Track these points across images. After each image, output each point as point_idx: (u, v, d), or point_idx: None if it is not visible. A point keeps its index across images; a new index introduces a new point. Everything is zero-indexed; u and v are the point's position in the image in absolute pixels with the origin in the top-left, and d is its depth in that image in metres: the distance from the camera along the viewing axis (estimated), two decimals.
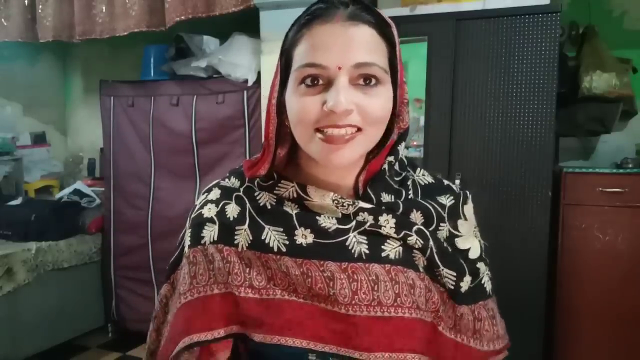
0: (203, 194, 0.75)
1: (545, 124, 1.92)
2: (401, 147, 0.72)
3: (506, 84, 1.96)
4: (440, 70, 2.01)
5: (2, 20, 2.85)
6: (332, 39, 0.60)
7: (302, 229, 0.67)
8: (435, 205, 0.72)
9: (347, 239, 0.67)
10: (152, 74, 2.78)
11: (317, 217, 0.68)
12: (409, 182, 0.75)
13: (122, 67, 3.13)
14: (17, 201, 2.82)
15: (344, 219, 0.68)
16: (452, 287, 0.70)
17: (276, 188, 0.70)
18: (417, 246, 0.68)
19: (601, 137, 2.46)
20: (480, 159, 2.02)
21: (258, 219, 0.69)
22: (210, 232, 0.69)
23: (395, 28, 0.65)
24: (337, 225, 0.67)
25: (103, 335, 2.98)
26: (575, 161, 2.52)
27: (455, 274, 0.70)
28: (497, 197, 1.99)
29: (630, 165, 2.12)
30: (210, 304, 0.68)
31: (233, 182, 0.74)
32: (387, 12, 0.66)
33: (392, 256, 0.67)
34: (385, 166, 0.70)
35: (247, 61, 2.42)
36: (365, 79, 0.61)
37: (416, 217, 0.70)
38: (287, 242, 0.67)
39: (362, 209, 0.68)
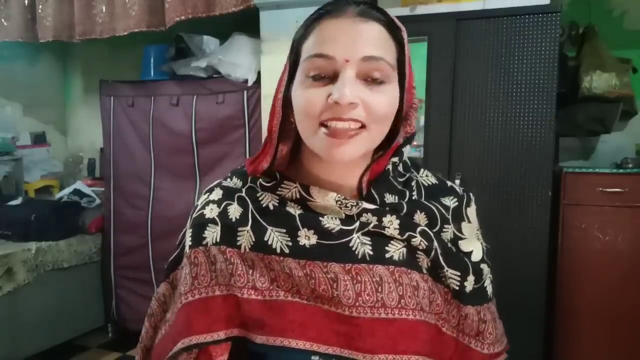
0: (205, 194, 0.74)
1: (545, 124, 1.92)
2: (406, 149, 0.72)
3: (506, 84, 1.96)
4: (440, 70, 2.01)
5: (2, 20, 2.85)
6: (341, 32, 0.61)
7: (306, 230, 0.67)
8: (439, 207, 0.72)
9: (350, 240, 0.66)
10: (152, 74, 2.78)
11: (321, 218, 0.67)
12: (413, 183, 0.74)
13: (122, 67, 3.13)
14: (17, 201, 2.82)
15: (348, 219, 0.67)
16: (457, 288, 0.69)
17: (279, 189, 0.70)
18: (421, 247, 0.68)
19: (601, 137, 2.46)
20: (480, 159, 2.02)
21: (261, 220, 0.68)
22: (213, 234, 0.69)
23: (405, 32, 0.66)
24: (340, 226, 0.66)
25: (103, 335, 2.98)
26: (575, 161, 2.52)
27: (459, 273, 0.69)
28: (497, 197, 1.99)
29: (630, 165, 2.12)
30: (211, 306, 0.68)
31: (235, 182, 0.74)
32: None
33: (396, 257, 0.67)
34: (390, 167, 0.70)
35: (247, 61, 2.42)
36: (372, 76, 0.61)
37: (420, 218, 0.70)
38: (290, 244, 0.66)
39: (366, 210, 0.67)
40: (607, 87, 2.15)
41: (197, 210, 0.72)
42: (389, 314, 0.65)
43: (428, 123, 2.05)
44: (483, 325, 0.72)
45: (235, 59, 2.44)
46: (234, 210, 0.70)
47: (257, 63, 2.38)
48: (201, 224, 0.70)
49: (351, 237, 0.66)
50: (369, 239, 0.67)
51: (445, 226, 0.72)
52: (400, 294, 0.66)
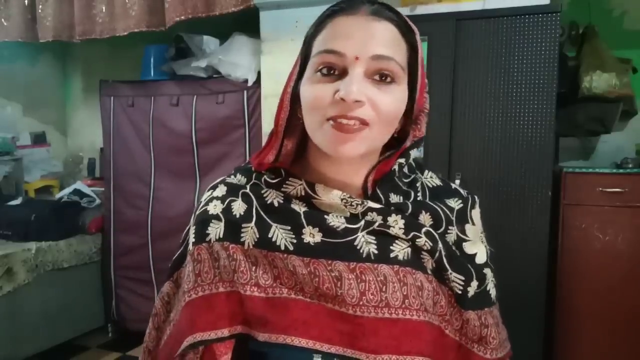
0: (208, 190, 0.74)
1: (545, 124, 1.92)
2: (413, 151, 0.71)
3: (506, 84, 1.96)
4: (440, 70, 2.01)
5: (2, 20, 2.85)
6: (353, 30, 0.61)
7: (310, 227, 0.66)
8: (444, 208, 0.72)
9: (355, 239, 0.66)
10: (152, 74, 2.78)
11: (326, 216, 0.67)
12: (418, 184, 0.74)
13: (122, 67, 3.13)
14: (17, 201, 2.82)
15: (353, 218, 0.67)
16: (460, 292, 0.69)
17: (284, 185, 0.69)
18: (425, 248, 0.67)
19: (601, 137, 2.47)
20: (480, 159, 2.02)
21: (265, 217, 0.68)
22: (216, 230, 0.68)
23: (418, 34, 0.65)
24: (345, 225, 0.66)
25: (103, 335, 2.98)
26: (575, 161, 2.52)
27: (463, 278, 0.69)
28: (497, 197, 1.99)
29: (630, 165, 2.12)
30: (215, 302, 0.67)
31: (239, 179, 0.73)
32: None
33: (400, 257, 0.67)
34: (396, 167, 0.70)
35: (247, 61, 2.42)
36: (381, 75, 0.61)
37: (425, 218, 0.70)
38: (294, 241, 0.66)
39: (371, 209, 0.67)
40: (607, 87, 2.15)
41: (200, 206, 0.72)
42: (392, 314, 0.65)
43: (428, 123, 2.05)
44: (485, 330, 0.71)
45: (235, 59, 2.44)
46: (238, 207, 0.69)
47: (257, 63, 2.38)
48: (204, 220, 0.70)
49: (356, 235, 0.66)
50: (374, 238, 0.66)
51: (450, 228, 0.71)
52: (405, 294, 0.65)
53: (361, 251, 0.66)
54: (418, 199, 0.72)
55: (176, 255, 0.75)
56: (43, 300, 2.57)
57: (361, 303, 0.64)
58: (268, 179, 0.71)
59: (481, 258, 0.73)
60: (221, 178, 0.75)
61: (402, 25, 0.64)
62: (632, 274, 2.05)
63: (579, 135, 2.41)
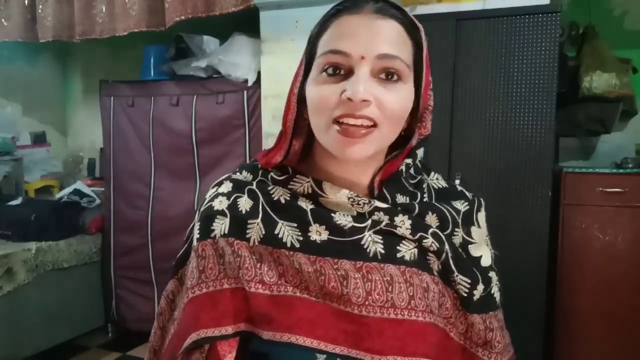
0: (213, 187, 0.73)
1: (545, 124, 1.92)
2: (420, 151, 0.71)
3: (506, 84, 1.96)
4: (440, 70, 2.01)
5: (2, 20, 2.85)
6: (358, 29, 0.60)
7: (317, 225, 0.66)
8: (451, 210, 0.71)
9: (362, 238, 0.65)
10: (152, 74, 2.78)
11: (333, 214, 0.66)
12: (424, 186, 0.74)
13: (122, 67, 3.13)
14: (17, 201, 2.82)
15: (359, 217, 0.67)
16: (465, 295, 0.68)
17: (290, 183, 0.69)
18: (432, 249, 0.67)
19: (601, 137, 2.46)
20: (480, 159, 2.02)
21: (271, 214, 0.67)
22: (221, 225, 0.68)
23: (423, 32, 0.65)
24: (352, 223, 0.66)
25: (103, 335, 2.98)
26: (575, 161, 2.52)
27: (469, 281, 0.68)
28: (497, 197, 1.99)
29: (630, 165, 2.12)
30: (219, 299, 0.66)
31: (245, 175, 0.72)
32: None
33: (407, 257, 0.66)
34: (403, 167, 0.69)
35: (247, 61, 2.42)
36: (387, 74, 0.61)
37: (431, 219, 0.69)
38: (301, 238, 0.65)
39: (378, 209, 0.66)
40: (607, 87, 2.15)
41: (205, 203, 0.71)
42: (398, 315, 0.64)
43: None
44: (490, 333, 0.70)
45: (235, 59, 2.44)
46: (244, 203, 0.68)
47: (257, 63, 2.38)
48: (209, 215, 0.69)
49: (363, 234, 0.66)
50: (381, 237, 0.66)
51: (456, 230, 0.71)
52: (411, 294, 0.65)
53: (368, 250, 0.65)
54: (424, 200, 0.72)
55: (180, 252, 0.74)
56: (43, 300, 2.56)
57: (367, 303, 0.64)
58: (275, 176, 0.70)
59: (486, 261, 0.73)
60: (226, 175, 0.74)
61: (407, 23, 0.64)
62: (632, 273, 2.05)
63: (579, 135, 2.41)
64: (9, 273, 2.38)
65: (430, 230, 0.67)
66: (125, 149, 2.82)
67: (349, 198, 0.66)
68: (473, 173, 2.03)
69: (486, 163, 2.01)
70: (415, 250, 0.67)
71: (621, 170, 2.10)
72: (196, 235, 0.70)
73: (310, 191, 0.68)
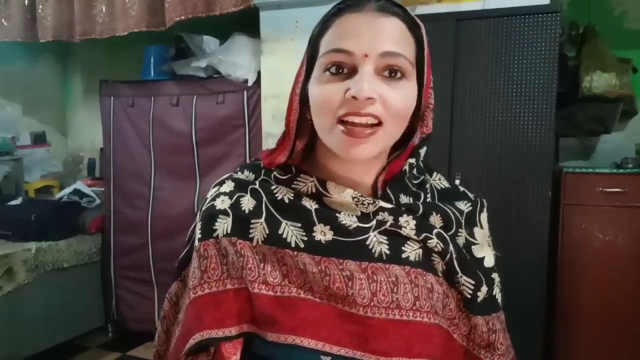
0: (214, 186, 0.72)
1: (545, 124, 1.92)
2: (423, 151, 0.71)
3: (506, 84, 1.96)
4: (440, 70, 2.01)
5: (2, 20, 2.85)
6: (361, 27, 0.60)
7: (322, 225, 0.65)
8: (454, 210, 0.71)
9: (367, 238, 0.65)
10: (152, 74, 2.78)
11: (337, 214, 0.66)
12: (427, 186, 0.74)
13: (122, 67, 3.13)
14: (17, 201, 2.82)
15: (364, 217, 0.66)
16: (469, 296, 0.68)
17: (294, 182, 0.68)
18: (437, 249, 0.67)
19: (601, 137, 2.46)
20: (480, 159, 2.02)
21: (275, 213, 0.66)
22: (224, 225, 0.67)
23: (424, 30, 0.65)
24: (357, 224, 0.65)
25: (103, 335, 2.98)
26: (575, 161, 2.52)
27: (473, 282, 0.68)
28: (497, 197, 1.99)
29: (630, 165, 2.12)
30: (223, 300, 0.66)
31: (247, 175, 0.72)
32: None
33: (412, 258, 0.66)
34: (406, 168, 0.69)
35: (247, 61, 2.42)
36: (390, 71, 0.61)
37: (435, 220, 0.69)
38: (305, 238, 0.65)
39: (382, 209, 0.66)
40: (607, 87, 2.15)
41: (207, 202, 0.70)
42: (403, 316, 0.63)
43: None
44: (493, 335, 0.70)
45: (235, 59, 2.44)
46: (247, 202, 0.68)
47: (257, 63, 2.38)
48: (211, 215, 0.68)
49: (368, 235, 0.65)
50: (386, 238, 0.66)
51: (460, 230, 0.71)
52: (416, 295, 0.64)
53: (373, 251, 0.65)
54: (427, 200, 0.72)
55: (182, 254, 0.73)
56: (43, 300, 2.56)
57: (372, 304, 0.63)
58: (278, 175, 0.69)
59: (489, 262, 0.72)
60: (227, 174, 0.73)
61: (409, 21, 0.63)
62: (632, 273, 2.05)
63: (579, 135, 2.41)
64: (9, 273, 2.38)
65: (435, 231, 0.67)
66: (125, 149, 2.82)
67: (353, 198, 0.66)
68: (473, 173, 2.03)
69: (486, 163, 2.01)
70: (420, 250, 0.67)
71: (621, 170, 2.11)
72: (198, 235, 0.69)
73: (314, 191, 0.67)
